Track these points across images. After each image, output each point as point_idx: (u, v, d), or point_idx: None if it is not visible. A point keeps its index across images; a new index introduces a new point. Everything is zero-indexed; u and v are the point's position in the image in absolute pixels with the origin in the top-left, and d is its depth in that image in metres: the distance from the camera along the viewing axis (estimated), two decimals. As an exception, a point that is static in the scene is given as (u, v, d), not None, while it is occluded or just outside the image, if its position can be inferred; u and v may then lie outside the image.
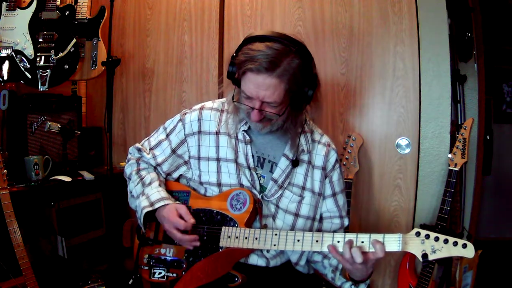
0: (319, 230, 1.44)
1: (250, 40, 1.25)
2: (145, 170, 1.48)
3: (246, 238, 1.27)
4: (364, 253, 1.13)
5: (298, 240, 1.22)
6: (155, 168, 1.49)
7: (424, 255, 1.09)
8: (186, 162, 1.47)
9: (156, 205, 1.35)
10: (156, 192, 1.38)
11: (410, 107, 2.17)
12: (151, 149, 1.49)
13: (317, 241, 1.20)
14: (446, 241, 1.07)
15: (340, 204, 1.46)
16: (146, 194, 1.39)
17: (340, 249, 1.17)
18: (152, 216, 1.39)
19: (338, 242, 1.18)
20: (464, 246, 1.05)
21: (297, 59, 1.23)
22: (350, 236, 1.17)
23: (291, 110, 1.32)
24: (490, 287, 3.07)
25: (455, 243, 1.06)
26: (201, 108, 1.46)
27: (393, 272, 2.21)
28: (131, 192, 1.48)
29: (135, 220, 1.49)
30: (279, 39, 1.23)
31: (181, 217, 1.33)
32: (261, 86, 1.22)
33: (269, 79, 1.21)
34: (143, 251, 1.44)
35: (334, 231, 1.45)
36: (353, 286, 1.29)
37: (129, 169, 1.52)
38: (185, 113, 1.48)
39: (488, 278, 3.11)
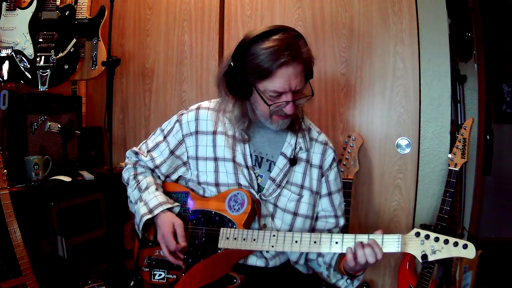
0: (313, 228, 1.44)
1: (251, 43, 1.23)
2: (142, 175, 1.47)
3: (244, 239, 1.27)
4: None
5: (296, 241, 1.21)
6: (153, 171, 1.49)
7: (424, 256, 1.07)
8: (184, 163, 1.47)
9: (155, 211, 1.35)
10: (154, 198, 1.38)
11: (410, 107, 2.17)
12: (148, 151, 1.48)
13: (315, 242, 1.19)
14: (446, 242, 1.06)
15: (335, 204, 1.45)
16: (144, 200, 1.39)
17: (339, 250, 1.16)
18: (152, 221, 1.39)
19: (336, 243, 1.18)
20: (465, 246, 1.04)
21: (302, 41, 1.26)
22: (348, 237, 1.16)
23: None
24: (490, 287, 3.07)
25: (456, 244, 1.05)
26: (198, 108, 1.46)
27: (393, 272, 2.21)
28: (129, 198, 1.48)
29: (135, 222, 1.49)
30: (279, 30, 1.24)
31: (175, 235, 1.32)
32: (292, 76, 1.22)
33: (298, 66, 1.23)
34: (143, 253, 1.43)
35: (328, 230, 1.45)
36: (348, 281, 1.29)
37: (127, 174, 1.52)
38: (182, 114, 1.47)
39: (488, 278, 3.11)
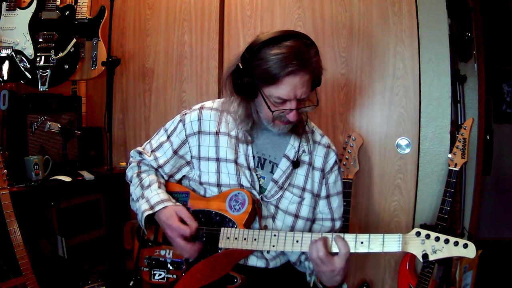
0: (309, 230, 1.43)
1: (261, 47, 1.22)
2: (145, 173, 1.47)
3: (245, 239, 1.27)
4: (330, 254, 1.14)
5: (297, 241, 1.21)
6: (156, 170, 1.49)
7: (425, 256, 1.07)
8: (188, 163, 1.47)
9: (156, 208, 1.34)
10: (156, 195, 1.37)
11: (410, 107, 2.17)
12: (152, 151, 1.48)
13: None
14: (447, 241, 1.06)
15: (333, 207, 1.45)
16: (146, 197, 1.38)
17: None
18: (153, 218, 1.39)
19: (337, 242, 1.18)
20: (465, 246, 1.04)
21: (313, 50, 1.25)
22: (349, 236, 1.16)
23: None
24: (490, 287, 3.07)
25: (456, 243, 1.05)
26: (201, 108, 1.46)
27: (393, 272, 2.21)
28: (131, 195, 1.48)
29: (135, 222, 1.49)
30: (291, 36, 1.23)
31: (182, 221, 1.31)
32: (298, 85, 1.22)
33: (305, 75, 1.22)
34: (143, 253, 1.43)
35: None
36: None
37: (130, 172, 1.52)
38: (185, 114, 1.47)
39: (488, 278, 3.11)
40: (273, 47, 1.21)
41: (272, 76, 1.21)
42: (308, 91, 1.26)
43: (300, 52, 1.20)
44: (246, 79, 1.25)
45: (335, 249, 1.16)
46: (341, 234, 1.17)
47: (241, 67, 1.26)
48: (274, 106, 1.26)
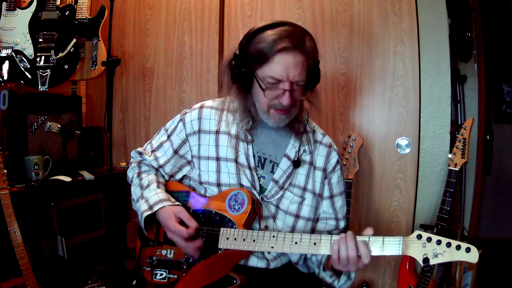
0: (313, 229, 1.43)
1: (257, 32, 1.24)
2: (145, 173, 1.47)
3: (244, 239, 1.26)
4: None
5: (296, 243, 1.20)
6: (157, 170, 1.49)
7: (426, 259, 1.05)
8: (189, 162, 1.46)
9: (155, 208, 1.34)
10: (155, 195, 1.37)
11: (410, 107, 2.17)
12: (153, 151, 1.48)
13: (314, 243, 1.19)
14: (448, 245, 1.03)
15: (336, 207, 1.44)
16: (145, 197, 1.38)
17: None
18: (153, 218, 1.38)
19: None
20: (468, 250, 1.01)
21: (308, 36, 1.26)
22: None
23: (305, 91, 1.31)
24: (490, 287, 3.07)
25: (458, 247, 1.02)
26: (201, 107, 1.45)
27: (393, 272, 2.21)
28: (132, 196, 1.48)
29: (137, 220, 1.49)
30: (288, 23, 1.25)
31: (182, 222, 1.31)
32: (291, 65, 1.22)
33: (299, 56, 1.22)
34: (144, 252, 1.43)
35: (328, 232, 1.44)
36: (334, 277, 1.29)
37: (131, 172, 1.52)
38: (185, 113, 1.46)
39: (488, 278, 3.11)
40: (268, 30, 1.23)
41: (264, 54, 1.22)
42: (302, 74, 1.24)
43: (293, 33, 1.22)
44: (242, 64, 1.26)
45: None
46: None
47: (238, 53, 1.28)
48: (268, 89, 1.26)
